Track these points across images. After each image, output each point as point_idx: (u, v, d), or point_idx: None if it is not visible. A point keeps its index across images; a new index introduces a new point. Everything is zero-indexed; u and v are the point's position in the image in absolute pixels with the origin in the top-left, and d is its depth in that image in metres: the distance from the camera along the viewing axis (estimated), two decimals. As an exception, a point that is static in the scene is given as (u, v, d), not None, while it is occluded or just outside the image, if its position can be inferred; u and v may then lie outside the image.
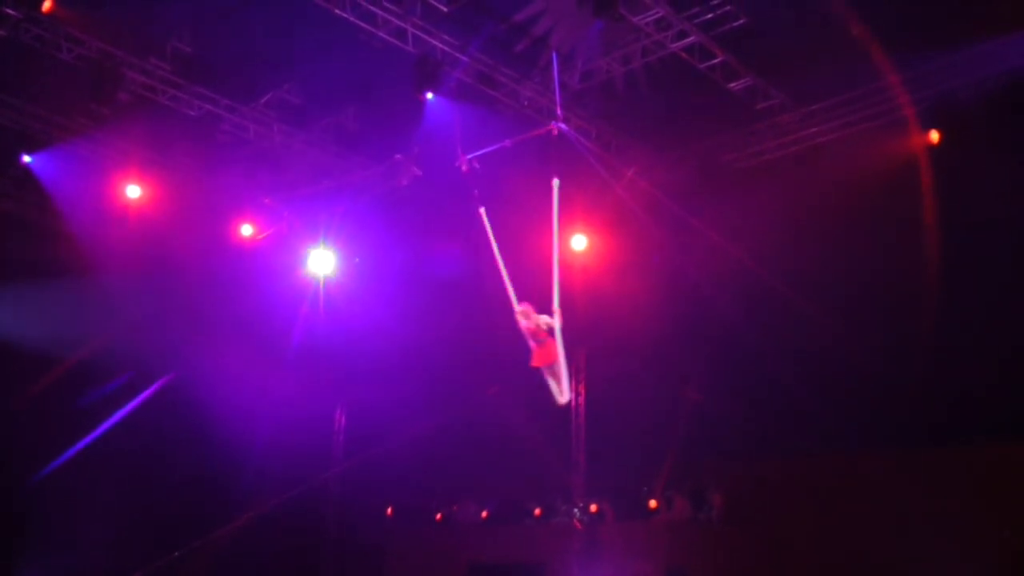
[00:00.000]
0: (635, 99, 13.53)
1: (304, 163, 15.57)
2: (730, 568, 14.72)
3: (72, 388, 16.06)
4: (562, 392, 9.11)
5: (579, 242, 15.59)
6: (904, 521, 13.25)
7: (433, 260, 16.93)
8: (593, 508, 15.93)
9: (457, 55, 12.62)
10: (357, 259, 17.09)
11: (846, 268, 13.77)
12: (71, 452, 15.97)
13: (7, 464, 15.43)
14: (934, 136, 12.78)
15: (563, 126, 9.89)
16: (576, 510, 15.95)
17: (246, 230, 16.68)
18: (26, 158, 14.59)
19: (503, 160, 10.26)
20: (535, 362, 9.12)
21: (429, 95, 12.57)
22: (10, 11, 11.58)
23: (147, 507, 16.26)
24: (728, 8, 11.60)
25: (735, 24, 11.73)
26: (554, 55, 12.18)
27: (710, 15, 11.76)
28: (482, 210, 9.54)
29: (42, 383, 15.71)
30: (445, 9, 11.85)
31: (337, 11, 11.48)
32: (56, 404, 15.84)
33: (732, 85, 12.99)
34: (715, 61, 12.50)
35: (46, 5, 11.18)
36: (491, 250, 9.46)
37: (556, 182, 9.32)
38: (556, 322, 9.03)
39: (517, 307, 9.16)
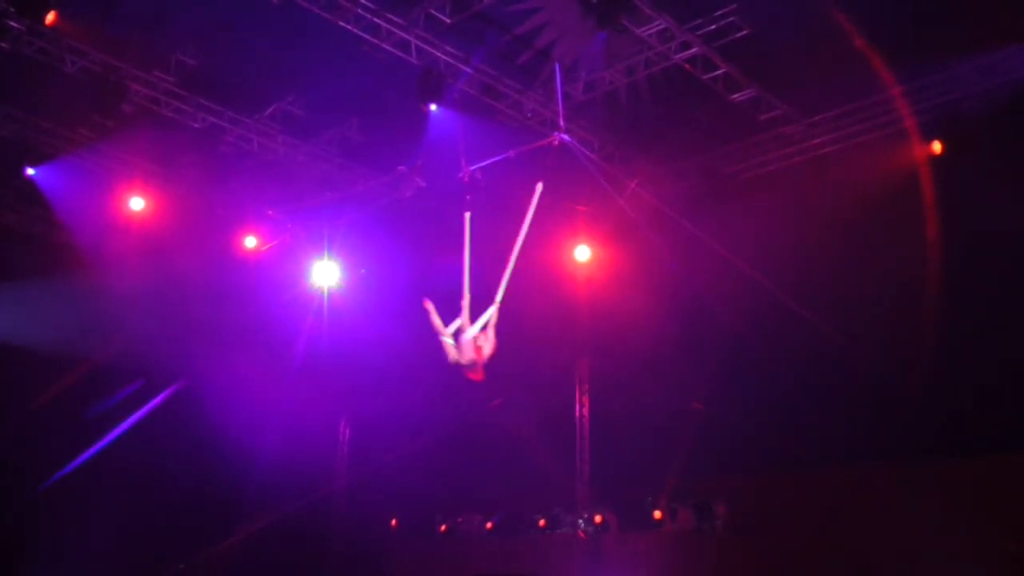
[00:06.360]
0: (638, 110, 13.53)
1: (308, 175, 15.58)
2: (734, 579, 14.70)
3: (78, 399, 16.06)
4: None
5: (582, 253, 15.58)
6: (908, 533, 13.19)
7: (437, 271, 16.90)
8: (597, 519, 15.91)
9: (460, 67, 12.63)
10: (362, 271, 17.08)
11: (850, 279, 13.75)
12: (77, 462, 15.96)
13: (14, 473, 15.44)
14: (937, 147, 12.77)
15: (566, 137, 9.85)
16: (580, 521, 15.92)
17: (250, 242, 16.67)
18: (30, 170, 14.58)
19: (506, 171, 10.24)
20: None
21: (433, 107, 12.57)
22: (13, 23, 11.56)
23: (152, 518, 16.26)
24: (731, 19, 11.59)
25: (738, 35, 11.72)
26: (557, 67, 12.21)
27: (713, 26, 11.76)
28: (467, 215, 9.36)
29: (49, 393, 15.71)
30: (449, 21, 11.85)
31: (341, 23, 11.51)
32: (62, 414, 15.84)
33: (735, 96, 12.99)
34: (718, 72, 12.50)
35: (49, 17, 11.12)
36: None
37: (539, 186, 9.14)
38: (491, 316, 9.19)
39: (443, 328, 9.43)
